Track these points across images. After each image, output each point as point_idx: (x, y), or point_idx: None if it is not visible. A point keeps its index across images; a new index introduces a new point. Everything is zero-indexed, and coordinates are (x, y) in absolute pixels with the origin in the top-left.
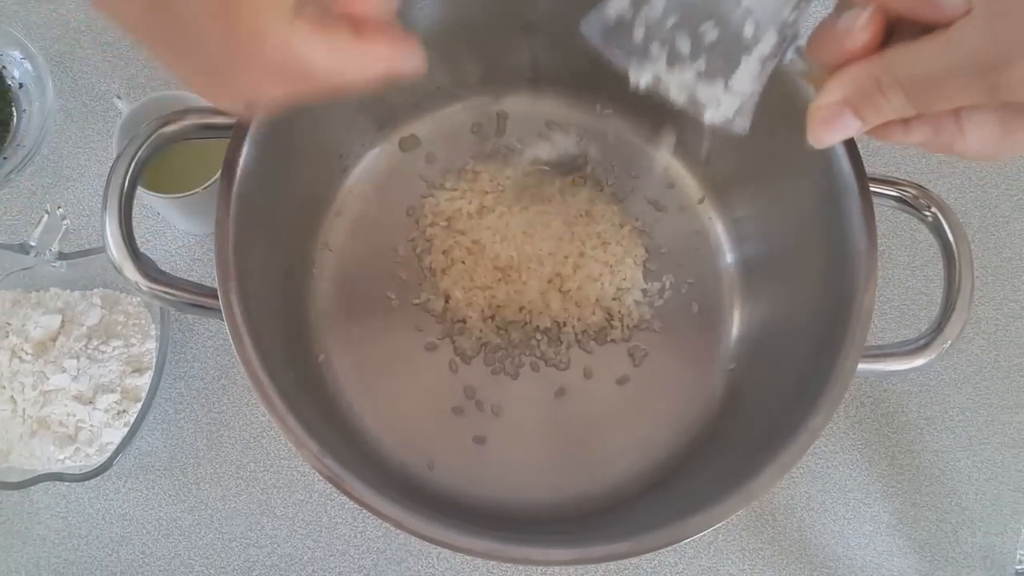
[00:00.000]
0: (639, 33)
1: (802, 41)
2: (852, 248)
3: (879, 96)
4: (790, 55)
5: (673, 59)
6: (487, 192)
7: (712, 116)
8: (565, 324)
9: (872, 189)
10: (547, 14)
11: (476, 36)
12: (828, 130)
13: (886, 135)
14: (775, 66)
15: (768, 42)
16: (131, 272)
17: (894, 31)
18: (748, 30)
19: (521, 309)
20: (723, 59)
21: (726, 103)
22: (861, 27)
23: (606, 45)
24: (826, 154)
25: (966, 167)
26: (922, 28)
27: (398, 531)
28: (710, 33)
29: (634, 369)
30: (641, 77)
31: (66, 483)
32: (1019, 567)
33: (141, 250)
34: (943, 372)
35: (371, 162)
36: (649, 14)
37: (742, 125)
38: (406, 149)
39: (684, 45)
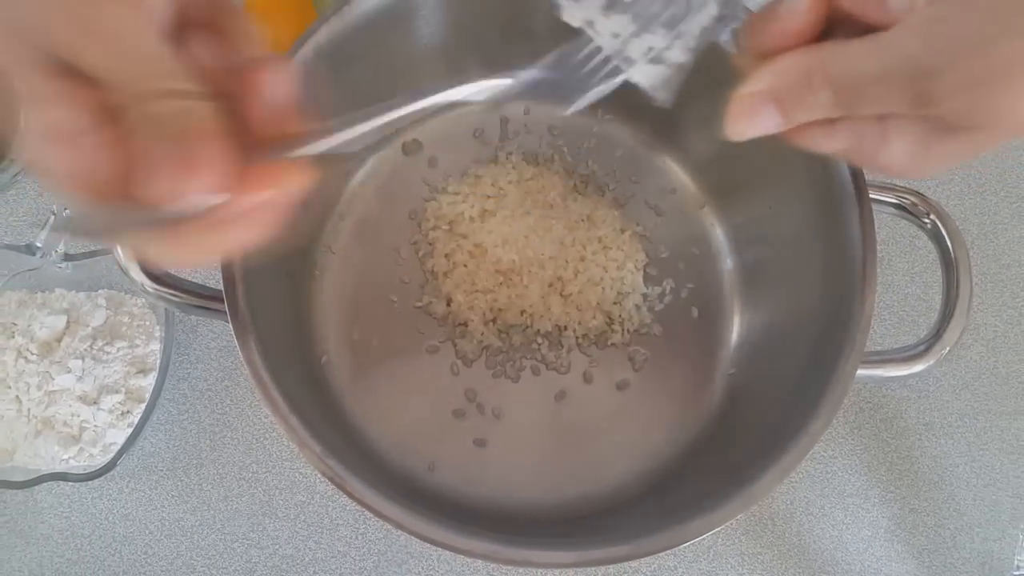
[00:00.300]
0: None
1: (739, 23)
2: (851, 255)
3: (807, 91)
4: (725, 35)
5: (612, 3)
6: (489, 196)
7: (637, 76)
8: (566, 328)
9: (871, 196)
10: (547, 21)
11: (478, 42)
12: (747, 122)
13: (807, 138)
14: (707, 41)
15: (708, 13)
16: (138, 274)
17: (834, 29)
18: None
19: (522, 313)
20: (663, 20)
21: (654, 68)
22: (802, 10)
23: None
24: (826, 161)
25: (966, 175)
26: (862, 29)
27: (399, 533)
28: None
29: (634, 373)
30: (575, 15)
31: (70, 484)
32: (1017, 572)
33: None
34: (942, 378)
35: (374, 166)
36: None
37: (665, 97)
38: (409, 153)
39: None
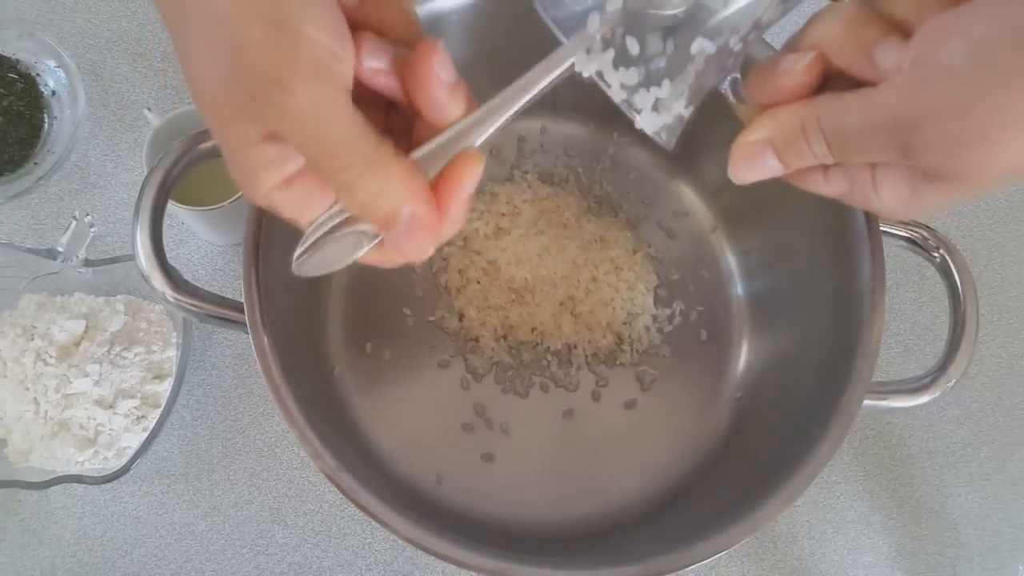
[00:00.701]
0: (594, 24)
1: (737, 74)
2: (861, 286)
3: (802, 141)
4: (725, 85)
5: (620, 58)
6: (504, 214)
7: (643, 123)
8: (576, 346)
9: (882, 229)
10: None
11: (497, 62)
12: (748, 168)
13: (806, 182)
14: (707, 94)
15: (697, 68)
16: (159, 283)
17: (828, 82)
18: (695, 48)
19: (533, 330)
20: (664, 73)
21: (657, 116)
22: (801, 69)
23: (560, 24)
24: None
25: (975, 207)
26: (854, 83)
27: (406, 545)
28: (657, 44)
29: (642, 393)
30: (587, 67)
31: (83, 486)
32: None
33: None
34: (946, 408)
35: None
36: (607, 9)
37: (668, 142)
38: None
39: (633, 47)
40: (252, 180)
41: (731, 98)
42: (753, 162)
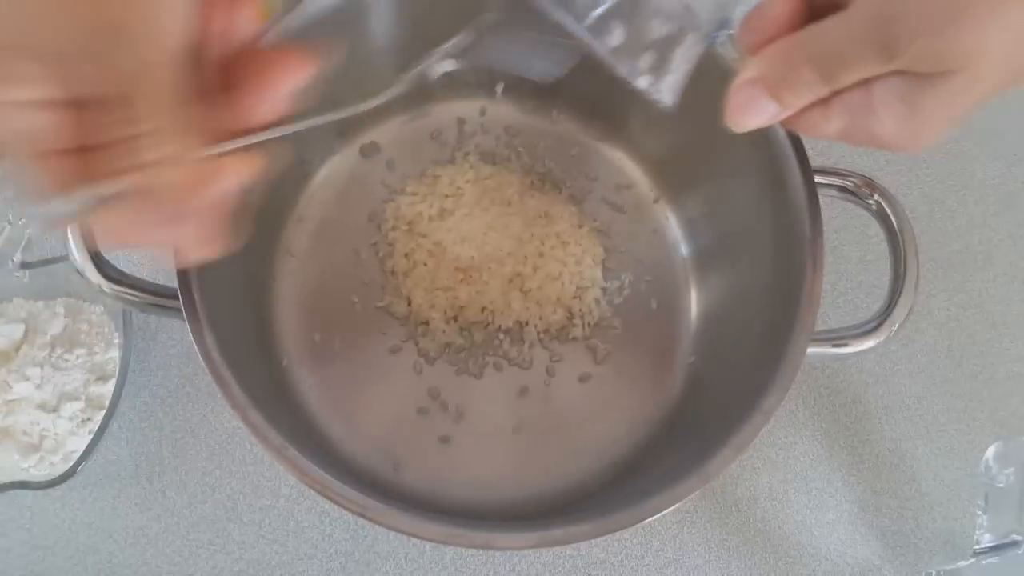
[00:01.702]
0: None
1: (732, 29)
2: (800, 236)
3: (791, 71)
4: (721, 38)
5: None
6: (447, 195)
7: (645, 83)
8: (527, 323)
9: (817, 180)
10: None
11: (431, 39)
12: (744, 112)
13: (807, 125)
14: (705, 48)
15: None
16: (93, 274)
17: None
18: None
19: (483, 309)
20: (668, 37)
21: (663, 78)
22: (781, 2)
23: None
24: (772, 149)
25: (912, 164)
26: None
27: (365, 533)
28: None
29: (596, 366)
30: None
31: (31, 494)
32: (977, 547)
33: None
34: (898, 362)
35: (332, 168)
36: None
37: (670, 99)
38: (367, 155)
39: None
40: None
41: (731, 52)
42: (748, 106)
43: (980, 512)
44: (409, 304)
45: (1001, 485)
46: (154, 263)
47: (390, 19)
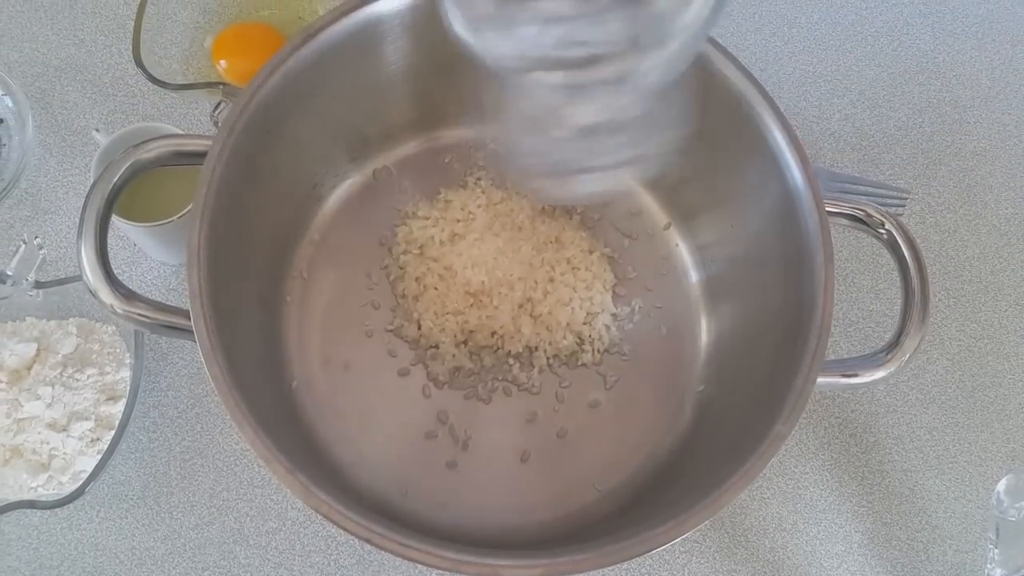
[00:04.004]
0: None
1: None
2: (810, 265)
3: None
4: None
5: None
6: (458, 220)
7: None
8: (537, 348)
9: (828, 209)
10: None
11: (447, 72)
12: None
13: None
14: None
15: None
16: (106, 296)
17: None
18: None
19: (493, 334)
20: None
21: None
22: None
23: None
24: (783, 180)
25: (924, 193)
26: None
27: (371, 559)
28: None
29: (605, 392)
30: None
31: (38, 514)
32: None
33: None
34: (909, 393)
35: (344, 192)
36: None
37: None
38: (379, 179)
39: None
40: None
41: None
42: None
43: (991, 546)
44: (419, 328)
45: (1012, 519)
46: (165, 284)
47: (405, 47)
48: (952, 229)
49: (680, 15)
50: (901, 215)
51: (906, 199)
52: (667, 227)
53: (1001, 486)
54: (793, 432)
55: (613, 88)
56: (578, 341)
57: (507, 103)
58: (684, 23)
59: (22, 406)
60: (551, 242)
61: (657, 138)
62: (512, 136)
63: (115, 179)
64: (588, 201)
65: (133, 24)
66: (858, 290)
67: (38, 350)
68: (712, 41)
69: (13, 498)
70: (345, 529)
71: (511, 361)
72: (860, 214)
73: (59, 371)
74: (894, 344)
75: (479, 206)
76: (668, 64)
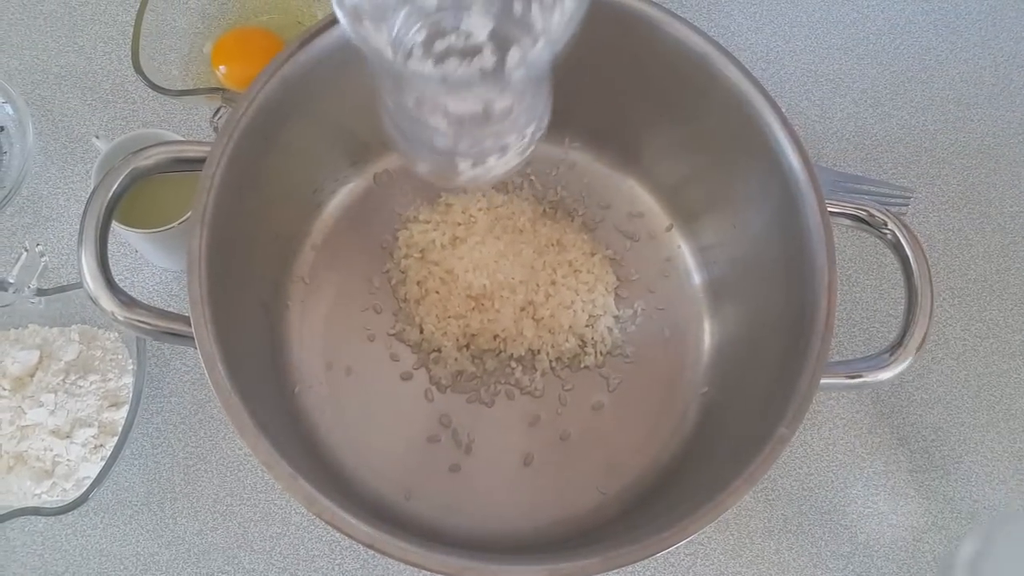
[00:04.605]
0: None
1: None
2: (813, 266)
3: None
4: None
5: None
6: (459, 223)
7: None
8: (539, 351)
9: (831, 209)
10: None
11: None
12: None
13: None
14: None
15: None
16: (107, 303)
17: None
18: None
19: (495, 337)
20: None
21: None
22: None
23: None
24: (786, 178)
25: (928, 193)
26: None
27: (375, 564)
28: None
29: (608, 395)
30: None
31: (42, 520)
32: None
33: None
34: (914, 393)
35: (345, 197)
36: None
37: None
38: (380, 183)
39: None
40: None
41: None
42: None
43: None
44: (421, 331)
45: None
46: (166, 291)
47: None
48: (956, 228)
49: (544, 16)
50: (904, 214)
51: (909, 198)
52: (669, 229)
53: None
54: (798, 433)
55: (482, 81)
56: (580, 344)
57: (389, 93)
58: (548, 23)
59: (25, 413)
60: (552, 245)
61: (528, 128)
62: (396, 124)
63: (115, 186)
64: (474, 187)
65: (132, 31)
66: (862, 290)
67: (41, 357)
68: (713, 41)
69: (17, 505)
70: (348, 535)
71: (513, 364)
72: (863, 214)
73: (62, 378)
74: (898, 344)
75: (480, 209)
76: (533, 59)
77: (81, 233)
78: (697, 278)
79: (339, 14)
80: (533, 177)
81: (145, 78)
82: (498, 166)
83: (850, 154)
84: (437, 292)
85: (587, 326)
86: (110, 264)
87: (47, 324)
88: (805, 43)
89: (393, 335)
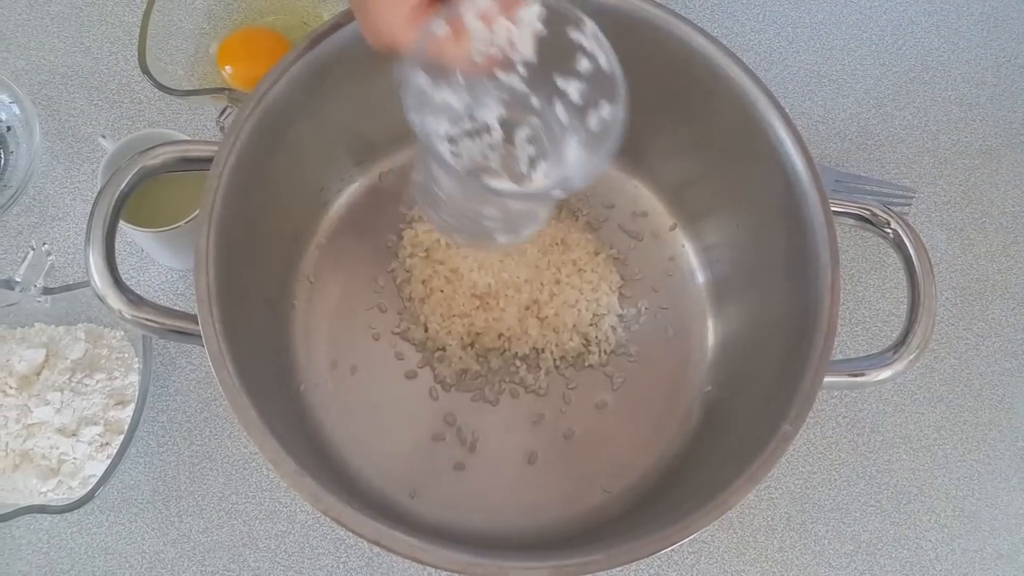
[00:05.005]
0: None
1: None
2: (816, 265)
3: None
4: None
5: None
6: None
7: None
8: (543, 350)
9: (833, 208)
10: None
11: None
12: None
13: None
14: None
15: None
16: (114, 301)
17: None
18: None
19: (500, 336)
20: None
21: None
22: None
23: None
24: (789, 177)
25: (931, 193)
26: None
27: (380, 561)
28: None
29: (612, 393)
30: None
31: (48, 518)
32: None
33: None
34: (917, 391)
35: (351, 196)
36: None
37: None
38: (385, 183)
39: None
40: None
41: None
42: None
43: None
44: (426, 330)
45: None
46: (173, 289)
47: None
48: (958, 228)
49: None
50: (907, 214)
51: (912, 198)
52: (673, 228)
53: None
54: (801, 432)
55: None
56: (584, 342)
57: (437, 184)
58: (577, 159)
59: (31, 411)
60: (557, 244)
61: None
62: (430, 200)
63: (122, 185)
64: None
65: (139, 31)
66: (864, 289)
67: (47, 356)
68: (717, 42)
69: (23, 503)
70: (354, 532)
71: (518, 363)
72: (866, 213)
73: (68, 376)
74: (901, 343)
75: None
76: (555, 182)
77: (89, 232)
78: (701, 277)
79: (407, 110)
80: None
81: (151, 78)
82: (530, 229)
83: (853, 154)
84: (442, 291)
85: (591, 325)
86: (117, 263)
87: (53, 323)
88: (808, 44)
89: (398, 334)
